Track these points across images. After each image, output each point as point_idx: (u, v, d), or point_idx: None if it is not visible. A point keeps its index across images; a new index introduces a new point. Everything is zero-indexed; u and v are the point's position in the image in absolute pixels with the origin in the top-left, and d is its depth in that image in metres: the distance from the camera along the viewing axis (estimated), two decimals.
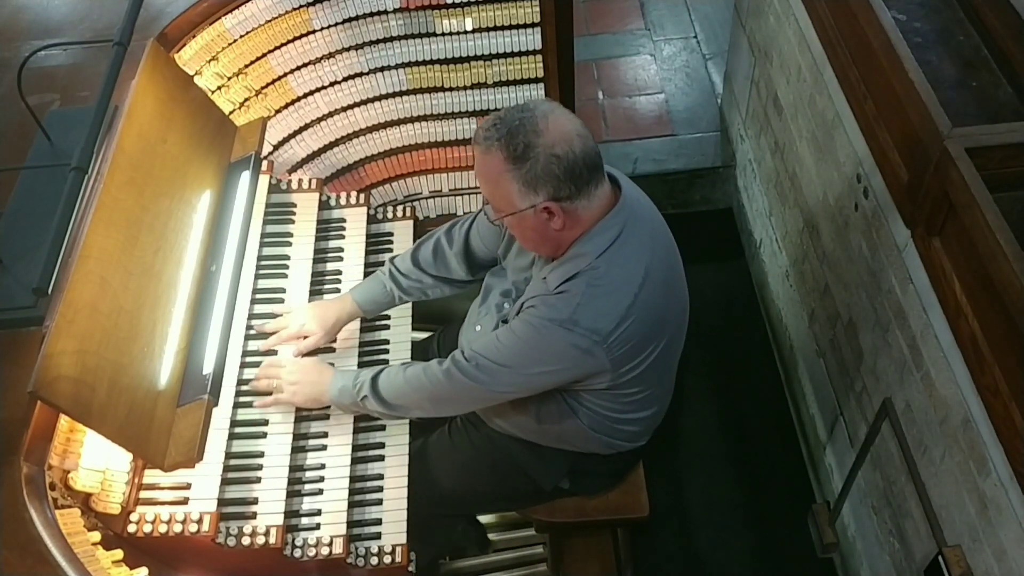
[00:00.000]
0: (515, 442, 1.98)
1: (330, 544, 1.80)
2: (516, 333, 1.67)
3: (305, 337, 2.03)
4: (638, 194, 1.76)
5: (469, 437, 2.08)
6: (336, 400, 1.92)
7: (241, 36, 2.22)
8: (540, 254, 1.75)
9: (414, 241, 2.28)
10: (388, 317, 2.21)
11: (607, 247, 1.63)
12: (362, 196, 2.36)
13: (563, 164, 1.54)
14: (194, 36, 2.14)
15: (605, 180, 1.64)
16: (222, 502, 1.76)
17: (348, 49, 2.40)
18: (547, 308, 1.63)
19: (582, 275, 1.62)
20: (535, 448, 1.97)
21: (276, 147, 2.38)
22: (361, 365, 2.10)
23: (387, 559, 1.85)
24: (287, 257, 2.18)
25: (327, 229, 2.29)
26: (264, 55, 2.29)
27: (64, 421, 1.56)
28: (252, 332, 2.05)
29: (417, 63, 2.45)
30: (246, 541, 1.73)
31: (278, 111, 2.36)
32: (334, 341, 2.10)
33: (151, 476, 1.75)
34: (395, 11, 2.36)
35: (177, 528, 1.67)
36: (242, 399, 1.94)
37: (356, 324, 2.14)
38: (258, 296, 2.10)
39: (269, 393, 1.94)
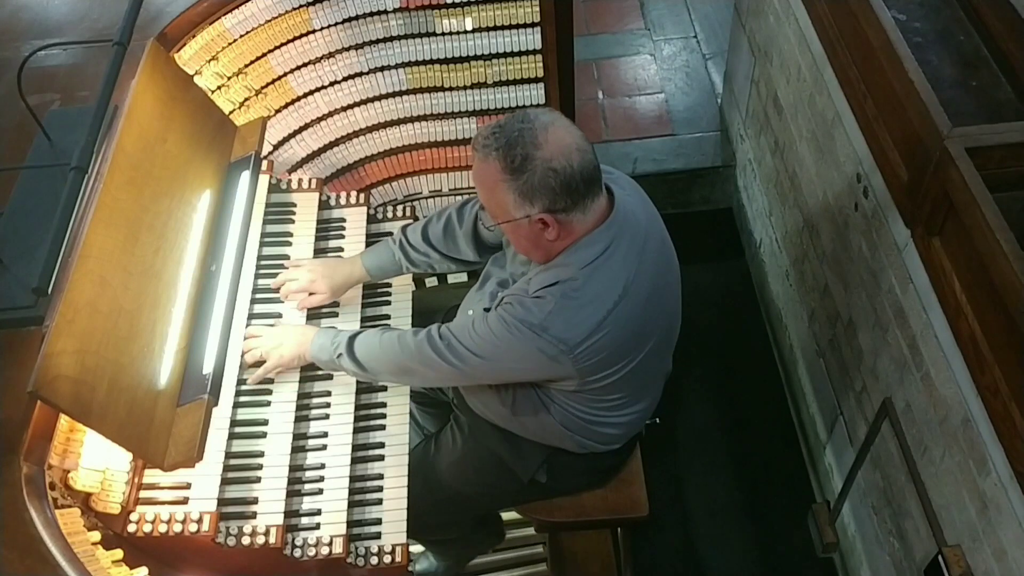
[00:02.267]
0: (494, 435, 2.00)
1: (330, 544, 1.80)
2: (490, 326, 1.69)
3: (311, 293, 2.08)
4: (636, 204, 1.75)
5: (455, 440, 2.10)
6: (315, 356, 1.94)
7: (241, 36, 2.22)
8: (532, 259, 1.77)
9: None
10: (388, 317, 2.21)
11: (591, 260, 1.64)
12: (362, 196, 2.36)
13: (560, 178, 1.55)
14: (194, 36, 2.14)
15: (602, 193, 1.65)
16: (222, 502, 1.76)
17: (348, 49, 2.39)
18: (522, 309, 1.65)
19: (561, 284, 1.64)
20: (513, 439, 1.99)
21: (276, 147, 2.38)
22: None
23: (387, 559, 1.85)
24: (287, 257, 2.18)
25: (327, 229, 2.30)
26: (264, 55, 2.29)
27: (64, 421, 1.56)
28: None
29: (417, 63, 2.45)
30: (246, 541, 1.73)
31: (278, 111, 2.36)
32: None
33: (151, 476, 1.75)
34: (395, 11, 2.36)
35: (177, 528, 1.67)
36: (242, 399, 1.93)
37: (357, 324, 2.15)
38: (258, 296, 2.10)
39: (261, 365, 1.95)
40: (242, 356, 1.96)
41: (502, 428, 1.99)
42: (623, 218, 1.68)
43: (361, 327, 2.15)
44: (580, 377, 1.70)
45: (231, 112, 2.23)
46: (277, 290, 2.10)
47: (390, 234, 2.38)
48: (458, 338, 1.73)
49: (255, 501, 1.79)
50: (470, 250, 2.05)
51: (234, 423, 1.88)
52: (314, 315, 2.13)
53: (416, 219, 2.43)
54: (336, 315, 2.15)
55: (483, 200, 1.67)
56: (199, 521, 1.69)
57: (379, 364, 1.86)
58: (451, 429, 2.14)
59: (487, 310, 1.79)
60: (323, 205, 2.31)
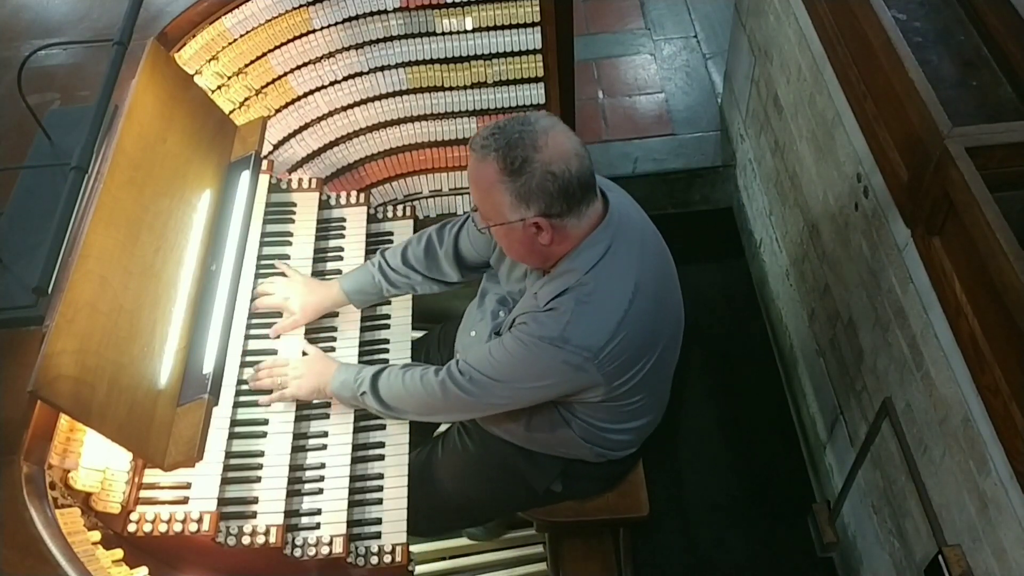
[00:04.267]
0: (508, 446, 1.99)
1: (330, 543, 1.80)
2: (508, 349, 1.67)
3: (284, 312, 2.07)
4: (628, 206, 1.76)
5: (464, 446, 2.09)
6: (337, 392, 1.93)
7: (241, 35, 2.22)
8: (527, 265, 1.76)
9: None
10: (388, 316, 2.21)
11: (596, 262, 1.63)
12: (362, 195, 2.36)
13: (558, 182, 1.55)
14: (194, 35, 2.14)
15: (597, 199, 1.65)
16: (222, 501, 1.76)
17: (348, 48, 2.39)
18: (537, 326, 1.63)
19: (571, 291, 1.63)
20: (527, 451, 1.98)
21: (276, 146, 2.38)
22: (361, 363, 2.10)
23: (387, 558, 1.86)
24: (287, 256, 2.18)
25: (327, 228, 2.30)
26: (264, 54, 2.29)
27: (64, 420, 1.56)
28: (252, 332, 2.05)
29: (417, 62, 2.45)
30: (246, 540, 1.73)
31: (278, 110, 2.36)
32: (334, 340, 2.12)
33: (151, 475, 1.75)
34: (395, 10, 2.36)
35: (177, 527, 1.67)
36: (242, 399, 1.93)
37: (357, 324, 2.15)
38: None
39: (270, 391, 1.94)
40: (255, 379, 1.95)
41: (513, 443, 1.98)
42: (619, 218, 1.68)
43: (361, 328, 2.15)
44: (607, 383, 1.68)
45: (231, 112, 2.23)
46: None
47: (391, 233, 2.38)
48: (479, 370, 1.72)
49: (255, 501, 1.80)
50: (452, 270, 2.05)
51: (234, 423, 1.88)
52: None
53: (416, 219, 2.44)
54: (336, 314, 2.15)
55: (477, 201, 1.66)
56: (199, 521, 1.69)
57: (404, 404, 1.87)
58: (458, 434, 2.11)
59: (498, 334, 1.79)
60: (323, 205, 2.31)
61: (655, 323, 1.72)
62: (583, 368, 1.63)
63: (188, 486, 1.75)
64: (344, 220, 2.32)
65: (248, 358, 2.00)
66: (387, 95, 2.49)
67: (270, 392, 1.94)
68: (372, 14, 2.36)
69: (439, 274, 2.06)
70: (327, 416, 1.99)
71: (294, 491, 1.87)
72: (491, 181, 1.58)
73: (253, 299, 2.07)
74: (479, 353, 1.75)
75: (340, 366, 1.96)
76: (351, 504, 1.89)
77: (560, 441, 1.90)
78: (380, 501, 1.94)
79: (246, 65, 2.26)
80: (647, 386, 1.79)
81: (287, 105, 2.38)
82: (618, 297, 1.63)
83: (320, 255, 2.24)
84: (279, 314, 2.08)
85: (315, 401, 2.00)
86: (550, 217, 1.58)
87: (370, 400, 1.88)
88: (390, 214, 2.42)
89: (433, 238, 2.05)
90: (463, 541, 2.64)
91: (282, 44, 2.31)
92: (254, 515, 1.78)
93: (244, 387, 1.95)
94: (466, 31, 2.42)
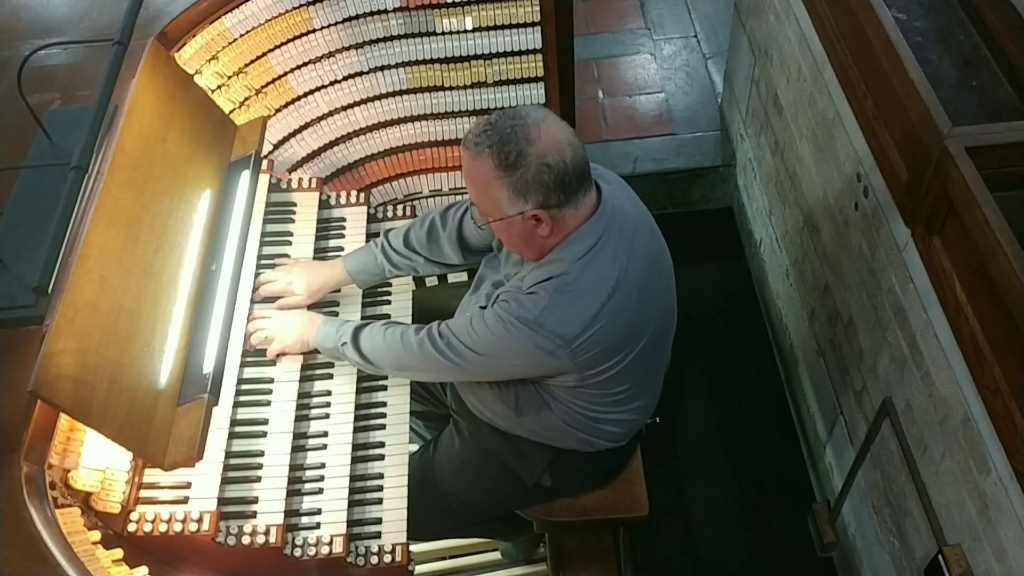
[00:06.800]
0: (496, 440, 2.00)
1: (330, 543, 1.80)
2: (487, 323, 1.70)
3: (289, 294, 2.08)
4: (623, 199, 1.76)
5: (455, 444, 2.10)
6: (319, 343, 1.96)
7: (241, 35, 2.22)
8: (524, 256, 1.77)
9: None
10: (388, 317, 2.21)
11: (584, 254, 1.65)
12: (362, 195, 2.36)
13: (554, 173, 1.56)
14: (194, 35, 2.14)
15: (592, 188, 1.66)
16: (222, 501, 1.76)
17: (348, 48, 2.39)
18: (517, 306, 1.65)
19: (554, 279, 1.64)
20: (516, 444, 1.98)
21: (276, 146, 2.38)
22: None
23: (387, 558, 1.86)
24: (287, 256, 2.18)
25: (327, 228, 2.30)
26: (264, 54, 2.29)
27: (64, 420, 1.56)
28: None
29: (417, 62, 2.45)
30: (246, 540, 1.73)
31: (278, 110, 2.36)
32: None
33: (151, 475, 1.75)
34: (395, 10, 2.36)
35: (177, 527, 1.67)
36: (242, 398, 1.93)
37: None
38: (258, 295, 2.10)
39: (264, 350, 1.98)
40: (246, 338, 1.97)
41: (505, 432, 1.99)
42: (611, 211, 1.68)
43: None
44: (578, 372, 1.70)
45: (231, 111, 2.23)
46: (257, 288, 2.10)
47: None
48: (457, 336, 1.74)
49: (255, 500, 1.80)
50: (454, 253, 2.06)
51: (234, 422, 1.88)
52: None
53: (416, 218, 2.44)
54: (336, 315, 2.15)
55: (475, 198, 1.67)
56: (199, 520, 1.69)
57: (382, 359, 1.88)
58: (451, 433, 2.13)
59: (483, 308, 1.80)
60: (323, 204, 2.31)
61: (638, 318, 1.73)
62: (555, 354, 1.65)
63: (188, 486, 1.74)
64: (344, 220, 2.32)
65: (248, 358, 2.00)
66: (387, 95, 2.49)
67: (264, 349, 1.98)
68: (372, 14, 2.36)
69: (440, 256, 2.08)
70: (327, 416, 1.99)
71: (294, 491, 1.87)
72: (487, 177, 1.59)
73: (255, 288, 2.07)
74: (461, 321, 1.77)
75: (325, 319, 1.99)
76: (351, 504, 1.89)
77: (546, 426, 1.91)
78: (380, 501, 1.94)
79: (246, 65, 2.26)
80: (632, 377, 1.79)
81: (287, 105, 2.38)
82: (598, 289, 1.64)
83: (320, 255, 2.24)
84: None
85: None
86: (548, 208, 1.59)
87: (350, 351, 1.90)
88: (390, 214, 2.42)
89: (436, 221, 2.05)
90: (463, 541, 2.64)
91: (282, 44, 2.31)
92: (254, 515, 1.78)
93: (244, 387, 1.95)
94: (466, 31, 2.42)
